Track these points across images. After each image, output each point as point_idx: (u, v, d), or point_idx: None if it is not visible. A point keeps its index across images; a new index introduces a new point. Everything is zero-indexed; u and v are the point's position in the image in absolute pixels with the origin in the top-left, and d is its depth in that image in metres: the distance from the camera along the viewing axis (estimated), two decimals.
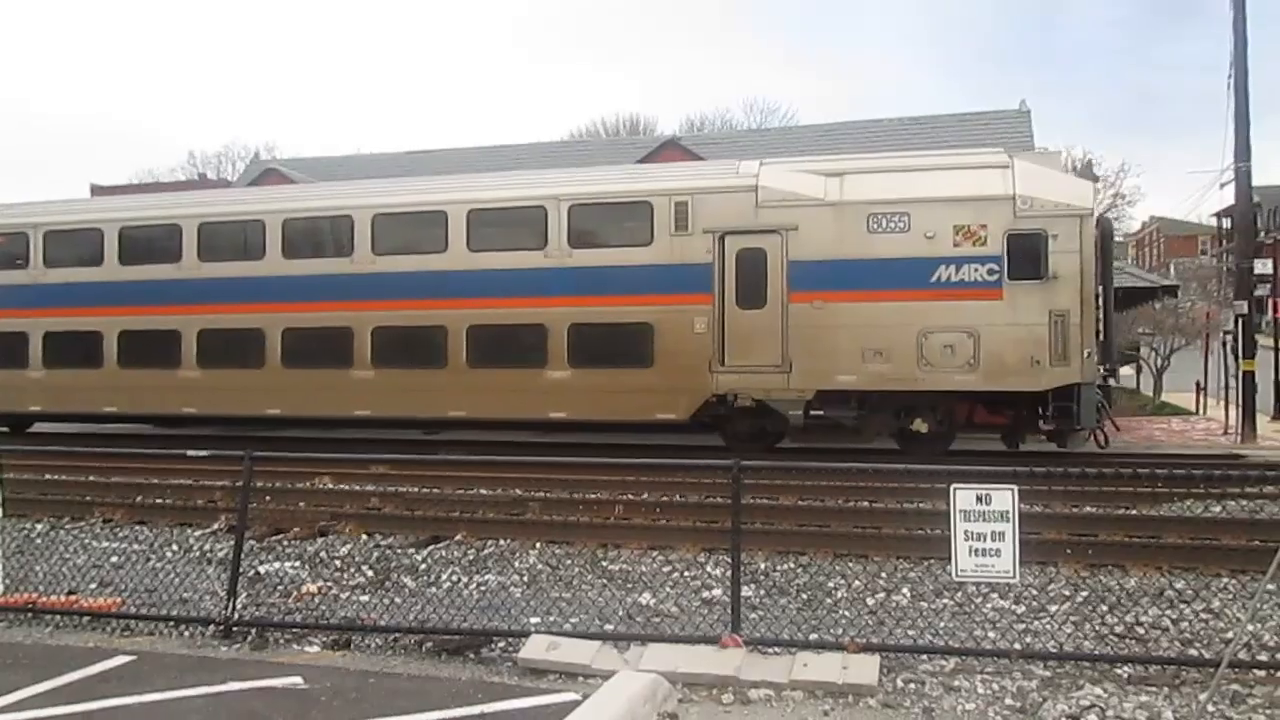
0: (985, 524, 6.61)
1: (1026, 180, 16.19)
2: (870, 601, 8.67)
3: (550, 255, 18.02)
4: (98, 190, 44.38)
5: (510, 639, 7.43)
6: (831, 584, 9.21)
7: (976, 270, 16.11)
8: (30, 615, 8.38)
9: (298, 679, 6.64)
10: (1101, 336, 16.41)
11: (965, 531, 6.63)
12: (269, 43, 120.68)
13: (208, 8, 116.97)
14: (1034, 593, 8.68)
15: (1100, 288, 16.34)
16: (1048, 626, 7.85)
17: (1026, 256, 15.88)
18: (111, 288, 20.55)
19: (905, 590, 8.97)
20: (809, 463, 13.82)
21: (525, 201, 18.48)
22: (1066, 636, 7.59)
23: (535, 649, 7.02)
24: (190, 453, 10.67)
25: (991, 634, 7.61)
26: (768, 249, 16.96)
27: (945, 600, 8.58)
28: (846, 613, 8.31)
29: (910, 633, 7.56)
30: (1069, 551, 9.83)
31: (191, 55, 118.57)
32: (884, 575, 9.33)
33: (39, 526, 12.39)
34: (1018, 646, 7.18)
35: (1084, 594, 8.68)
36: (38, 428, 22.56)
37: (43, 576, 9.38)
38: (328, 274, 19.26)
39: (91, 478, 15.45)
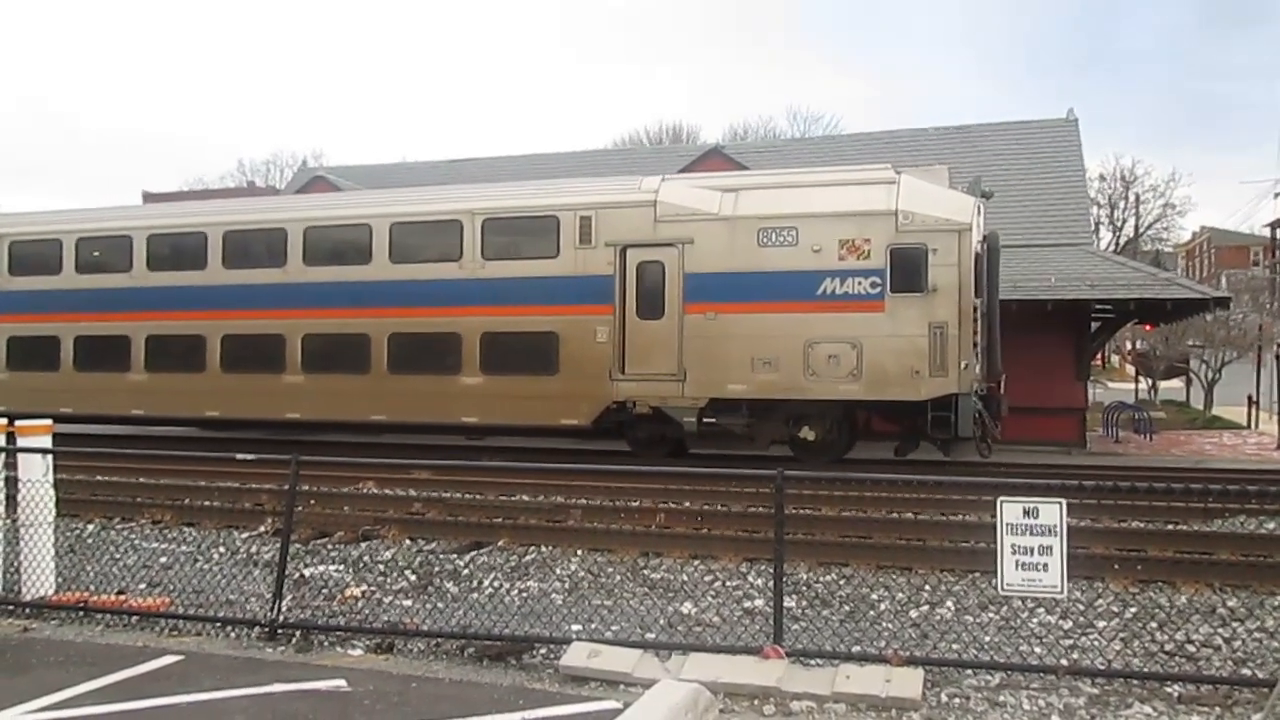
0: (1032, 538, 6.53)
1: (909, 196, 16.42)
2: (914, 614, 8.59)
3: (465, 267, 18.64)
4: (149, 196, 45.19)
5: (551, 646, 7.42)
6: (874, 596, 9.15)
7: (860, 283, 16.40)
8: (81, 614, 8.51)
9: (341, 682, 6.70)
10: (980, 348, 16.45)
11: (1012, 545, 6.55)
12: (317, 50, 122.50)
13: (259, 20, 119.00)
14: (1081, 608, 8.55)
15: (981, 301, 16.42)
16: (1095, 643, 7.72)
17: (907, 270, 16.15)
18: (68, 295, 21.40)
19: (949, 603, 8.87)
20: (852, 473, 13.74)
21: (442, 215, 19.10)
22: (1115, 653, 7.45)
23: (576, 656, 7.03)
24: (238, 456, 10.82)
25: (1038, 649, 7.50)
26: (666, 261, 17.40)
27: (990, 614, 8.48)
28: (890, 625, 8.24)
29: (955, 646, 7.47)
30: (1117, 567, 9.66)
31: (241, 64, 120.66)
32: (928, 588, 9.23)
33: (90, 527, 12.63)
34: (1065, 662, 7.08)
35: (1133, 610, 8.53)
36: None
37: (93, 576, 9.58)
38: (263, 283, 19.99)
39: (141, 479, 15.73)
